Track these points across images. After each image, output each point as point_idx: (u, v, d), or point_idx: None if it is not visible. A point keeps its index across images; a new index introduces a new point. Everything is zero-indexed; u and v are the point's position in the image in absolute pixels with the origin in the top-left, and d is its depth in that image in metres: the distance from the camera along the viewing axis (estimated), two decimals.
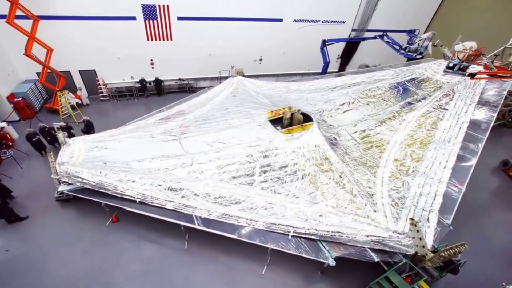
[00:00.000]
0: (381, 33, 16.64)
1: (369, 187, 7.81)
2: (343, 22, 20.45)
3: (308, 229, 6.43)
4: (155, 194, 7.37)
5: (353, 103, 11.99)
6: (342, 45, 21.83)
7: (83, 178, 7.70)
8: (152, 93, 18.06)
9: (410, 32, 15.52)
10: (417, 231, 5.75)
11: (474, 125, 8.40)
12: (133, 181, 7.69)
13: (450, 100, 9.37)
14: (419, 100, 10.23)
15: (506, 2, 17.99)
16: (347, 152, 9.35)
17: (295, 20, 19.09)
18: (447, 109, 9.06)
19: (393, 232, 5.95)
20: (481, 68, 10.28)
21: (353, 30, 21.10)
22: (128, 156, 8.98)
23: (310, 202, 7.52)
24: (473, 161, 7.59)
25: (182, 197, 7.41)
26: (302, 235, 6.52)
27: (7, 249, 7.32)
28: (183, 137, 10.17)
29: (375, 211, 6.97)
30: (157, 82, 17.59)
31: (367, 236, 6.13)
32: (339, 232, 6.24)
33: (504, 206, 9.79)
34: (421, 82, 11.08)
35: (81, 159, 8.59)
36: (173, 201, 7.19)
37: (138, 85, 17.36)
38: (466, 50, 10.92)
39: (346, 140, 10.14)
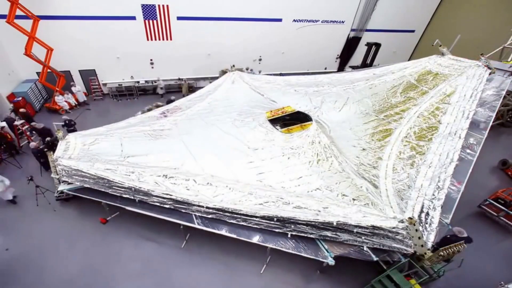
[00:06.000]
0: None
1: (373, 180, 7.79)
2: (342, 22, 20.49)
3: (311, 221, 6.34)
4: (152, 187, 7.32)
5: (351, 100, 12.00)
6: (341, 44, 21.88)
7: (79, 169, 7.68)
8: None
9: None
10: (416, 230, 5.78)
11: (473, 124, 8.40)
12: (133, 174, 7.68)
13: (453, 94, 9.30)
14: (422, 94, 10.14)
15: (505, 2, 18.02)
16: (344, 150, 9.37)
17: (294, 20, 19.14)
18: (449, 104, 9.02)
19: (399, 221, 5.92)
20: None
21: (352, 30, 21.15)
22: (126, 150, 8.99)
23: (311, 195, 7.50)
24: (472, 161, 7.61)
25: (187, 189, 7.40)
26: (301, 234, 6.53)
27: (7, 248, 7.34)
28: (182, 133, 10.21)
29: (380, 198, 6.96)
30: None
31: (372, 226, 6.02)
32: (344, 223, 6.14)
33: None
34: (424, 75, 11.03)
35: (77, 153, 8.57)
36: (171, 195, 7.13)
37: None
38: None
39: (348, 135, 10.15)
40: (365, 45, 20.09)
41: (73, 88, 15.51)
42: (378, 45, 19.63)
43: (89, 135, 9.56)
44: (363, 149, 9.22)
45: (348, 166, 8.29)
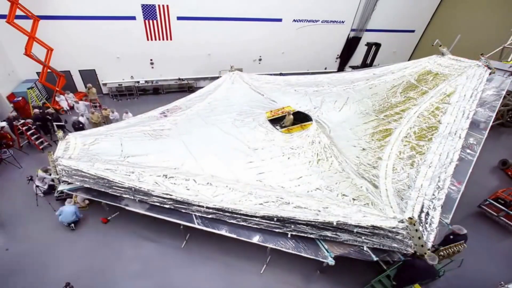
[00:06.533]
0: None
1: (373, 180, 7.80)
2: (342, 22, 20.49)
3: (311, 221, 6.31)
4: (152, 187, 7.29)
5: (350, 100, 11.99)
6: (341, 44, 21.88)
7: (79, 169, 7.67)
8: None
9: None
10: (416, 230, 5.77)
11: (473, 124, 8.41)
12: (133, 174, 7.67)
13: (453, 94, 9.29)
14: (422, 94, 10.16)
15: (505, 2, 18.02)
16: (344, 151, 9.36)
17: (294, 20, 19.14)
18: (449, 104, 9.03)
19: (399, 221, 5.92)
20: None
21: (352, 30, 21.15)
22: (126, 150, 8.98)
23: (311, 195, 7.48)
24: (472, 161, 7.61)
25: (187, 188, 7.37)
26: (301, 234, 6.53)
27: (7, 248, 7.34)
28: (182, 133, 10.22)
29: (379, 195, 6.97)
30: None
31: (372, 226, 5.98)
32: (344, 223, 6.11)
33: None
34: (424, 75, 11.04)
35: (77, 152, 8.56)
36: (171, 195, 7.10)
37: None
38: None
39: (348, 135, 10.16)
40: (365, 45, 20.12)
41: (66, 96, 15.23)
42: (378, 45, 19.64)
43: (89, 135, 9.55)
44: (363, 149, 9.22)
45: (348, 166, 8.29)
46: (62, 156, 8.26)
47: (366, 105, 11.40)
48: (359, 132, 10.18)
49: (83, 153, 8.60)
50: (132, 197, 7.48)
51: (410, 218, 5.81)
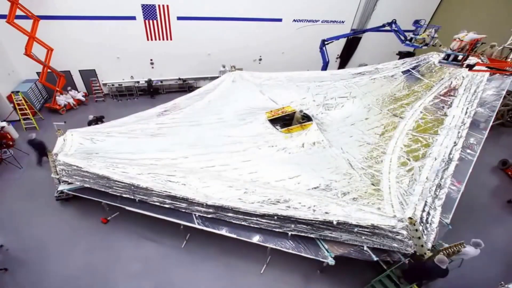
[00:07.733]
0: (389, 21, 15.85)
1: (376, 175, 7.74)
2: (342, 22, 20.48)
3: (311, 220, 6.29)
4: (151, 184, 7.26)
5: (354, 95, 11.95)
6: (341, 44, 21.85)
7: (77, 167, 7.68)
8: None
9: (416, 22, 15.10)
10: (416, 230, 5.77)
11: (473, 124, 8.40)
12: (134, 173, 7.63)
13: (459, 86, 9.20)
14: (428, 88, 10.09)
15: (505, 2, 17.98)
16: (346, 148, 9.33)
17: (294, 20, 19.13)
18: (455, 96, 8.95)
19: (399, 220, 5.90)
20: (480, 60, 10.12)
21: (352, 30, 21.13)
22: (124, 148, 8.97)
23: (310, 193, 7.46)
24: (472, 161, 7.60)
25: (186, 186, 7.33)
26: (301, 234, 6.52)
27: (8, 248, 7.34)
28: (181, 131, 10.23)
29: (380, 195, 6.95)
30: (148, 84, 17.35)
31: (372, 225, 5.97)
32: (344, 223, 6.10)
33: (503, 205, 9.81)
34: (428, 69, 10.97)
35: (74, 150, 8.56)
36: (170, 193, 7.08)
37: (145, 84, 17.50)
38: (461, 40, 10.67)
39: (352, 130, 10.14)
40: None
41: (71, 93, 15.52)
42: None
43: (87, 133, 9.54)
44: (367, 143, 9.13)
45: (349, 163, 8.25)
46: (58, 152, 8.25)
47: (369, 100, 11.28)
48: (363, 126, 10.09)
49: (81, 150, 8.58)
50: (132, 197, 7.49)
51: (410, 218, 5.80)
